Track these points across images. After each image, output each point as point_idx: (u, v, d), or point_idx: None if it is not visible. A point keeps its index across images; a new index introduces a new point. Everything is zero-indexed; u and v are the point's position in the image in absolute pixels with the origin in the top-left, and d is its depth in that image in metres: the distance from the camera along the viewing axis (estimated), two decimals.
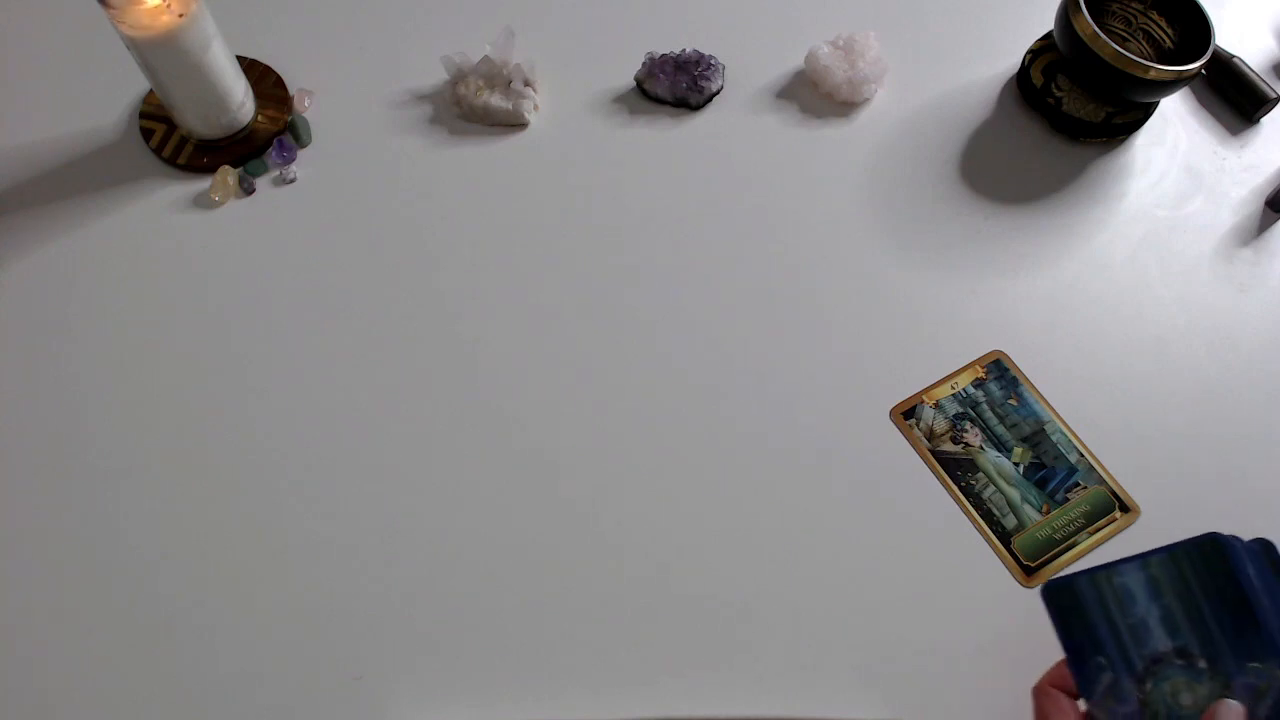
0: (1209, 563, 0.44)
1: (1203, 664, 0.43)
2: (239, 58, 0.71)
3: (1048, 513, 0.62)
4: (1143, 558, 0.46)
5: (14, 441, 0.62)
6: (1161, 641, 0.44)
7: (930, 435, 0.65)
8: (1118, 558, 0.46)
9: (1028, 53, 0.77)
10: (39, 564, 0.58)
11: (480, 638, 0.57)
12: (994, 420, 0.65)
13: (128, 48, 0.64)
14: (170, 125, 0.72)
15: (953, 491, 0.63)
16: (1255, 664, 0.42)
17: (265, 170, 0.72)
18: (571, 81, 0.77)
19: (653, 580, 0.59)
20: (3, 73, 0.76)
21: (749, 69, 0.79)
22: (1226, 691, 0.42)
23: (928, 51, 0.81)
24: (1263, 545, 0.46)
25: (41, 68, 0.76)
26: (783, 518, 0.61)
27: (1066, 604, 0.47)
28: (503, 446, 0.63)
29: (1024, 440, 0.65)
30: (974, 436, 0.65)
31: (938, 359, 0.67)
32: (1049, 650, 0.58)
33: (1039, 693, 0.47)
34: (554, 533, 0.60)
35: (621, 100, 0.77)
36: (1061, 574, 0.49)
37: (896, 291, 0.70)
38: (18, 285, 0.67)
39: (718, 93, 0.77)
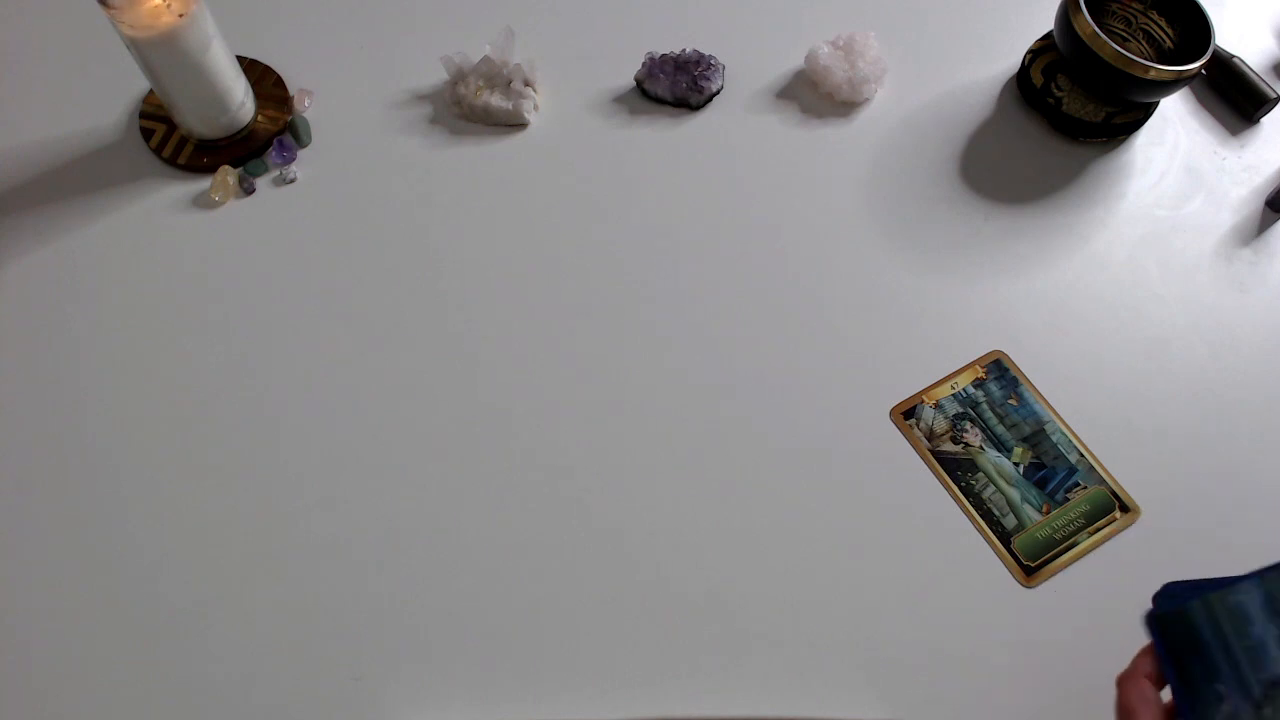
0: None
1: None
2: (239, 58, 0.71)
3: (1048, 513, 0.62)
4: (1259, 574, 0.42)
5: (14, 441, 0.62)
6: None
7: (930, 435, 0.65)
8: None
9: (1028, 53, 0.77)
10: (39, 564, 0.58)
11: (479, 638, 0.57)
12: (994, 420, 0.65)
13: (128, 48, 0.64)
14: (170, 125, 0.72)
15: (953, 491, 0.63)
16: None
17: (265, 170, 0.72)
18: (571, 81, 0.77)
19: (653, 580, 0.59)
20: (3, 73, 0.76)
21: (749, 69, 0.79)
22: None
23: (928, 51, 0.81)
24: None
25: (41, 68, 0.76)
26: (783, 518, 0.61)
27: (1176, 632, 0.43)
28: (503, 447, 0.63)
29: (1024, 440, 0.65)
30: (974, 436, 0.65)
31: (938, 359, 0.67)
32: (1049, 650, 0.58)
33: (1127, 681, 0.44)
34: (554, 532, 0.60)
35: (621, 100, 0.77)
36: (1168, 597, 0.44)
37: (896, 291, 0.70)
38: (18, 285, 0.67)
39: (718, 93, 0.77)
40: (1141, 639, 0.59)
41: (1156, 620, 0.44)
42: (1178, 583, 0.44)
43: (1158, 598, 0.45)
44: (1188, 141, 0.78)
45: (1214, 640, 0.42)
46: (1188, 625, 0.43)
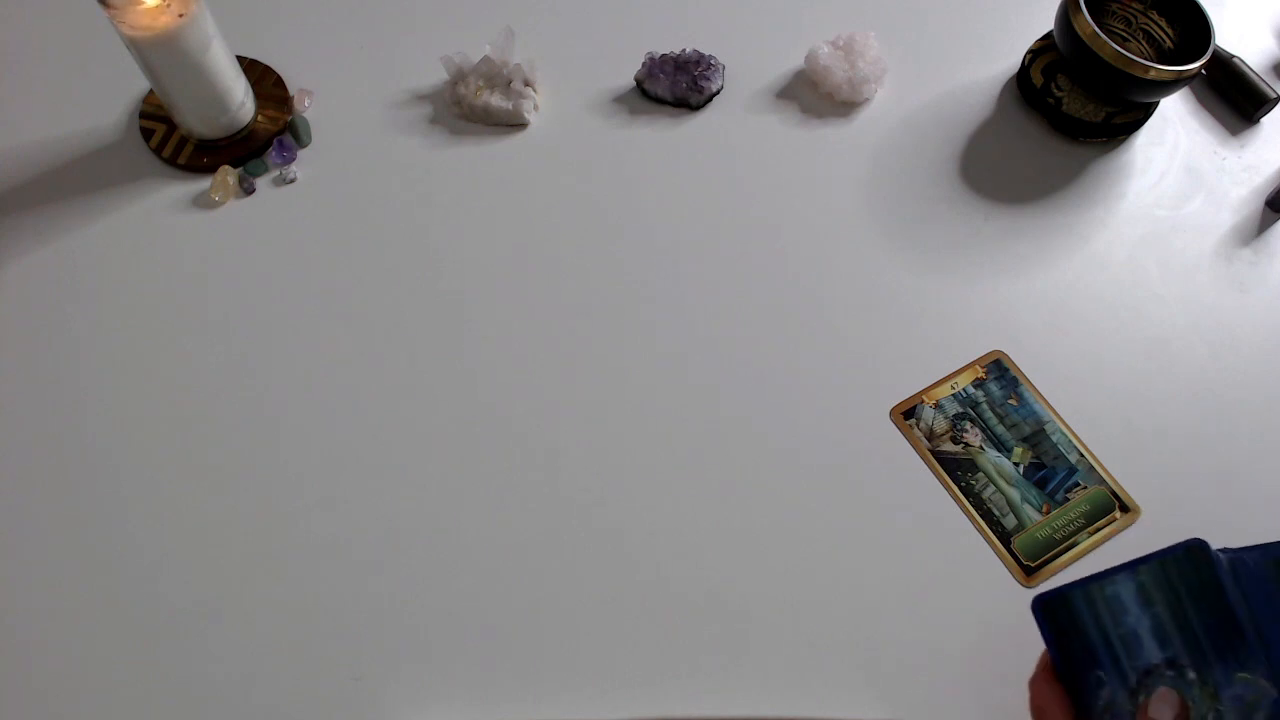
0: (1196, 569, 0.42)
1: (1192, 675, 0.41)
2: (239, 58, 0.71)
3: (1048, 513, 0.62)
4: (1134, 565, 0.44)
5: (14, 441, 0.62)
6: (1153, 653, 0.42)
7: (930, 435, 0.65)
8: (1113, 564, 0.45)
9: (1028, 53, 0.77)
10: (38, 564, 0.58)
11: (480, 638, 0.57)
12: (994, 420, 0.65)
13: (128, 48, 0.64)
14: (170, 125, 0.72)
15: (953, 491, 0.63)
16: (1244, 674, 0.40)
17: (265, 170, 0.72)
18: (571, 81, 0.77)
19: (653, 580, 0.59)
20: (3, 73, 0.76)
21: (749, 69, 0.79)
22: (1215, 703, 0.40)
23: (928, 51, 0.81)
24: (1246, 552, 0.44)
25: (41, 68, 0.76)
26: (783, 518, 0.61)
27: (1060, 617, 0.45)
28: (503, 447, 0.63)
29: (1024, 440, 0.65)
30: (974, 436, 0.65)
31: (938, 359, 0.67)
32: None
33: (1037, 683, 0.46)
34: (554, 532, 0.60)
35: (621, 100, 0.77)
36: (1052, 587, 0.47)
37: (896, 292, 0.70)
38: (18, 285, 0.67)
39: (718, 93, 0.77)
40: None
41: (1041, 606, 0.45)
42: (1068, 583, 0.46)
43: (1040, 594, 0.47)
44: (1188, 141, 0.78)
45: (1093, 628, 0.44)
46: (1070, 612, 0.44)
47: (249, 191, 0.71)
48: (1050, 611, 0.46)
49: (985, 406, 0.66)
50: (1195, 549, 0.42)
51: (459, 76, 0.75)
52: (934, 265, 0.71)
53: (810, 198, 0.73)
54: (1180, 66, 0.68)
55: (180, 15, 0.61)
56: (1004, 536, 0.61)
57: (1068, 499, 0.63)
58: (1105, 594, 0.44)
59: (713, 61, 0.76)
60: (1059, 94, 0.74)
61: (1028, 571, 0.60)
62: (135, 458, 0.62)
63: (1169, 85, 0.69)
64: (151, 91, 0.74)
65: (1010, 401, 0.66)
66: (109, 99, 0.75)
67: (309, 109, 0.75)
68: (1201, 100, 0.80)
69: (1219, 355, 0.68)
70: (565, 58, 0.78)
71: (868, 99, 0.77)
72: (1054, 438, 0.65)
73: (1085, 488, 0.63)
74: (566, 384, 0.65)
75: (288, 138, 0.73)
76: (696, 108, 0.77)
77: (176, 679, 0.56)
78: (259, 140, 0.73)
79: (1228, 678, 0.40)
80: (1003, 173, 0.75)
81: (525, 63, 0.75)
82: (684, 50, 0.77)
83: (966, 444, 0.64)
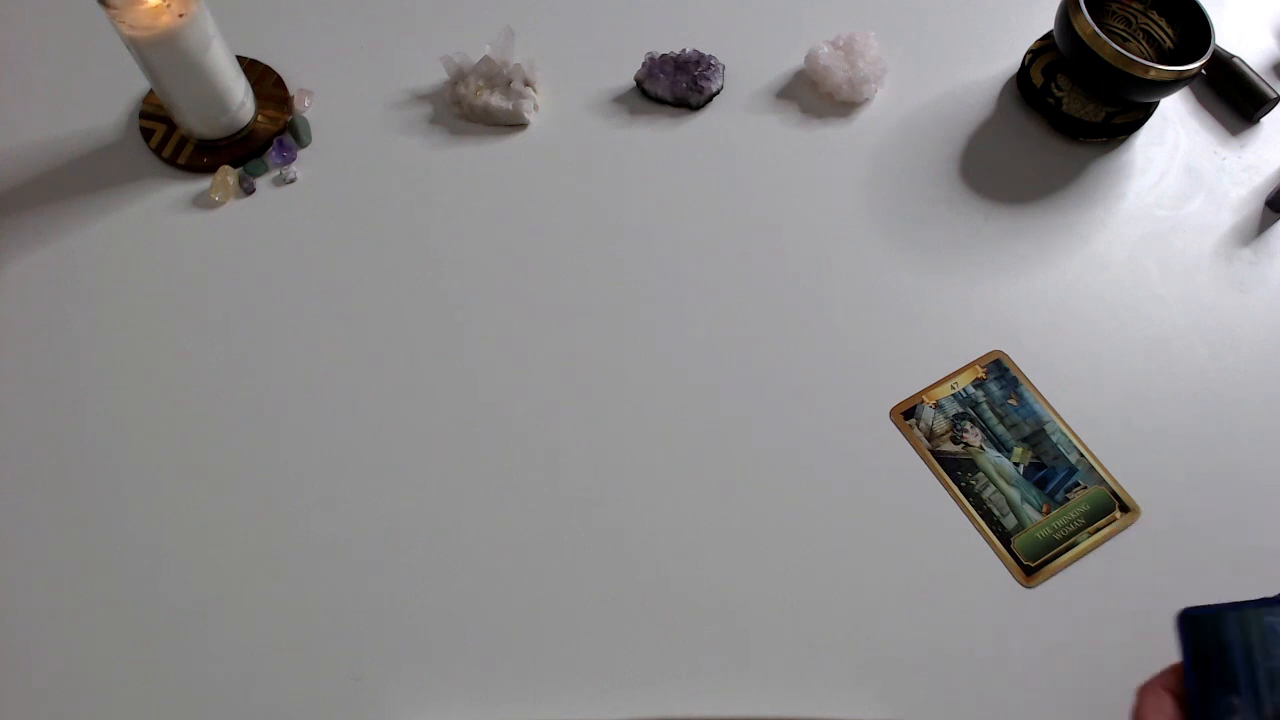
0: None
1: None
2: (239, 58, 0.71)
3: (1048, 513, 0.62)
4: None
5: (14, 441, 0.62)
6: None
7: (930, 435, 0.65)
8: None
9: (1028, 53, 0.77)
10: (38, 564, 0.58)
11: (480, 638, 0.57)
12: (994, 420, 0.65)
13: (128, 48, 0.64)
14: (170, 125, 0.72)
15: (953, 491, 0.63)
16: None
17: (265, 170, 0.72)
18: (571, 81, 0.77)
19: (653, 580, 0.59)
20: (3, 73, 0.76)
21: (749, 69, 0.79)
22: None
23: (928, 51, 0.81)
24: None
25: (41, 68, 0.76)
26: (783, 518, 0.61)
27: (1206, 635, 0.44)
28: (503, 447, 0.63)
29: (1024, 440, 0.65)
30: (974, 436, 0.65)
31: (938, 359, 0.67)
32: (1049, 650, 0.58)
33: (1147, 691, 0.45)
34: (554, 532, 0.60)
35: (621, 100, 0.77)
36: (1206, 605, 0.46)
37: (896, 292, 0.70)
38: (18, 285, 0.67)
39: (718, 93, 0.77)
40: (1144, 641, 0.59)
41: (1189, 621, 0.44)
42: (1217, 604, 0.45)
43: (1190, 609, 0.45)
44: (1188, 141, 0.78)
45: (1239, 654, 0.43)
46: (1217, 633, 0.43)
47: (249, 191, 0.71)
48: (1197, 627, 0.44)
49: (985, 406, 0.66)
50: None
51: (459, 76, 0.75)
52: (934, 265, 0.71)
53: (810, 198, 0.73)
54: (1180, 66, 0.68)
55: (180, 15, 0.61)
56: (1004, 536, 0.61)
57: (1068, 499, 0.63)
58: (1262, 623, 0.43)
59: (713, 61, 0.76)
60: (1059, 94, 0.74)
61: (1028, 571, 0.60)
62: (135, 458, 0.62)
63: (1169, 85, 0.69)
64: (151, 91, 0.74)
65: (1010, 401, 0.66)
66: (109, 99, 0.75)
67: (309, 109, 0.75)
68: (1201, 100, 0.80)
69: (1219, 355, 0.68)
70: (565, 58, 0.78)
71: (868, 99, 0.77)
72: (1054, 438, 0.65)
73: (1085, 488, 0.63)
74: (566, 384, 0.65)
75: (288, 138, 0.73)
76: (696, 108, 0.77)
77: (176, 679, 0.56)
78: (259, 140, 0.73)
79: None
80: (1003, 173, 0.75)
81: (525, 63, 0.75)
82: (684, 50, 0.77)
83: (966, 444, 0.64)
